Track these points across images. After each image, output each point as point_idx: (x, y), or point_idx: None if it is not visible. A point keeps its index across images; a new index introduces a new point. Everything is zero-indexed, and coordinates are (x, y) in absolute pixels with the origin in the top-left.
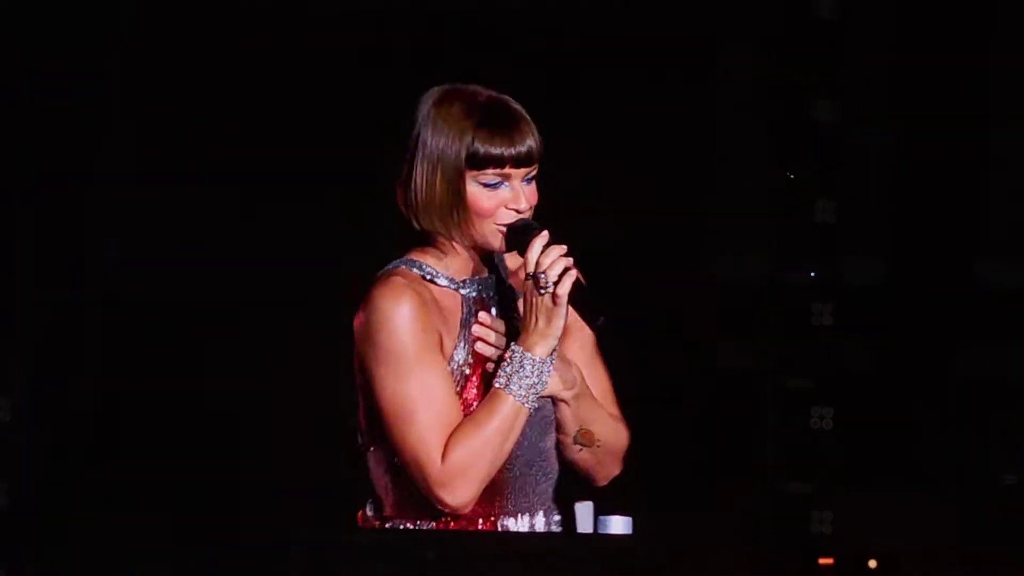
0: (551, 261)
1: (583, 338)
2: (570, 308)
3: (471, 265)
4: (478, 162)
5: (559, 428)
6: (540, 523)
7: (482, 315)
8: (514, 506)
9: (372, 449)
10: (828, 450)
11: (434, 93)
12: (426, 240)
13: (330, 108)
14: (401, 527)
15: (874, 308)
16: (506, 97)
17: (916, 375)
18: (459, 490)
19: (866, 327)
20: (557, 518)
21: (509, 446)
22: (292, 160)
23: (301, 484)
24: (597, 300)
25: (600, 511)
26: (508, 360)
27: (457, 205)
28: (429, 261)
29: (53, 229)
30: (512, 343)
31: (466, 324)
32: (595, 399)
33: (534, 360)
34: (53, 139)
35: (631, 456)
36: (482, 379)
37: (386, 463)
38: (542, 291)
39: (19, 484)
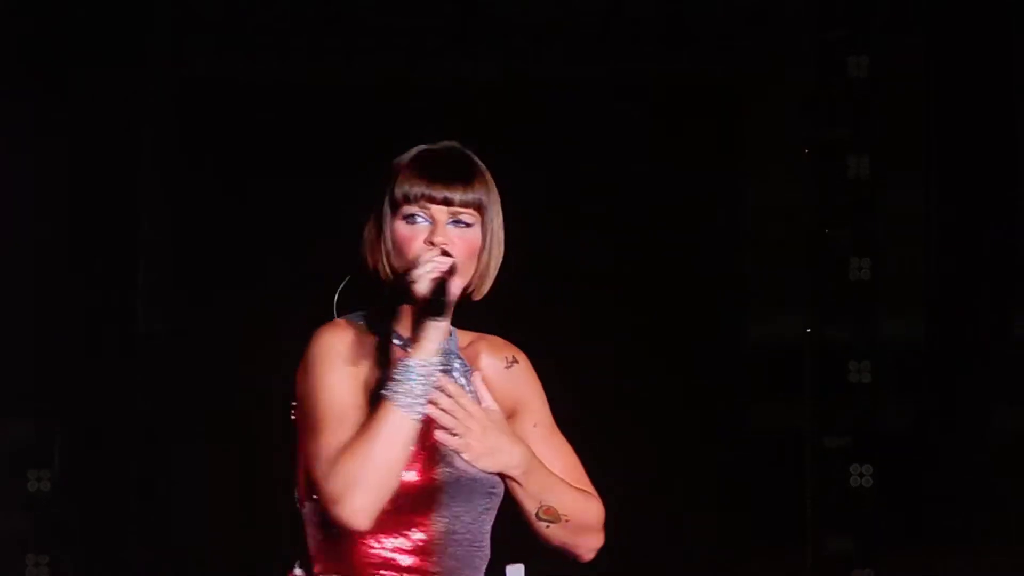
0: (424, 263)
1: (537, 415)
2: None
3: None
4: (397, 200)
5: (521, 510)
6: None
7: (443, 380)
8: (450, 571)
9: (307, 502)
10: (868, 508)
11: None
12: (380, 295)
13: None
14: None
15: (912, 365)
16: (459, 149)
17: (955, 432)
18: (347, 501)
19: (904, 384)
20: None
21: (395, 455)
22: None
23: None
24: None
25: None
26: (396, 370)
27: (380, 239)
28: (377, 315)
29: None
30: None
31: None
32: (549, 472)
33: (408, 366)
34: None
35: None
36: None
37: (319, 517)
38: (410, 287)
39: (59, 556)
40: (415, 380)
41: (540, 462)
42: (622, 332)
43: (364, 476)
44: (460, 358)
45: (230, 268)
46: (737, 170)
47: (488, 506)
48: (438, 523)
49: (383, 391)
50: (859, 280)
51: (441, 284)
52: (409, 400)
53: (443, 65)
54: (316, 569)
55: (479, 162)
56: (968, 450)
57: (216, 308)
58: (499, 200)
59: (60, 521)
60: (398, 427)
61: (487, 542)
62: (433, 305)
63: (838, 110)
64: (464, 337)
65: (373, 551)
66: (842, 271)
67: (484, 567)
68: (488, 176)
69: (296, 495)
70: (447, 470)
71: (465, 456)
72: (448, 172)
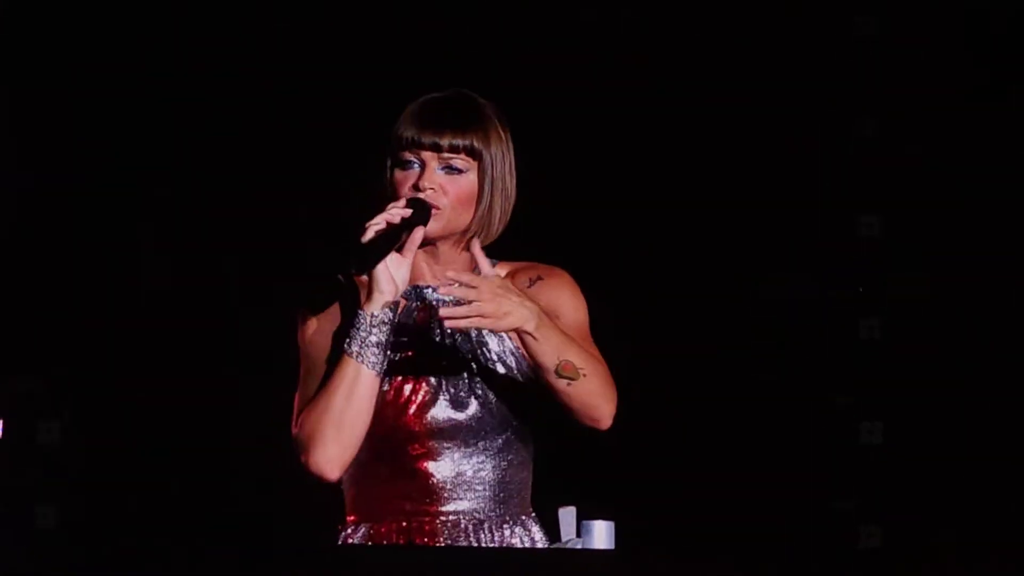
0: (376, 218)
1: (566, 320)
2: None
3: (417, 273)
4: (393, 145)
5: (542, 372)
6: (507, 533)
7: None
8: (463, 513)
9: None
10: (877, 465)
11: None
12: None
13: None
14: (360, 530)
15: (924, 322)
16: (467, 94)
17: (962, 387)
18: (313, 453)
19: (916, 342)
20: (534, 527)
21: (357, 407)
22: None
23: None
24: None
25: (583, 516)
26: (354, 321)
27: (384, 188)
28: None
29: (104, 254)
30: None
31: (401, 325)
32: (563, 332)
33: (365, 316)
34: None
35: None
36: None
37: (347, 473)
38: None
39: (67, 507)
40: (367, 330)
41: (553, 321)
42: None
43: (324, 427)
44: (439, 294)
45: (235, 220)
46: (750, 133)
47: (503, 445)
48: (458, 466)
49: (343, 345)
50: (869, 236)
51: (385, 235)
52: (363, 350)
53: None
54: (350, 519)
55: (485, 108)
56: (978, 409)
57: (224, 259)
58: (506, 145)
59: (69, 473)
60: (353, 378)
61: (515, 481)
62: (373, 251)
63: (846, 70)
64: (504, 268)
65: (395, 500)
66: (850, 228)
67: (518, 506)
68: (493, 122)
69: None
70: (458, 414)
71: (483, 325)
72: (442, 118)
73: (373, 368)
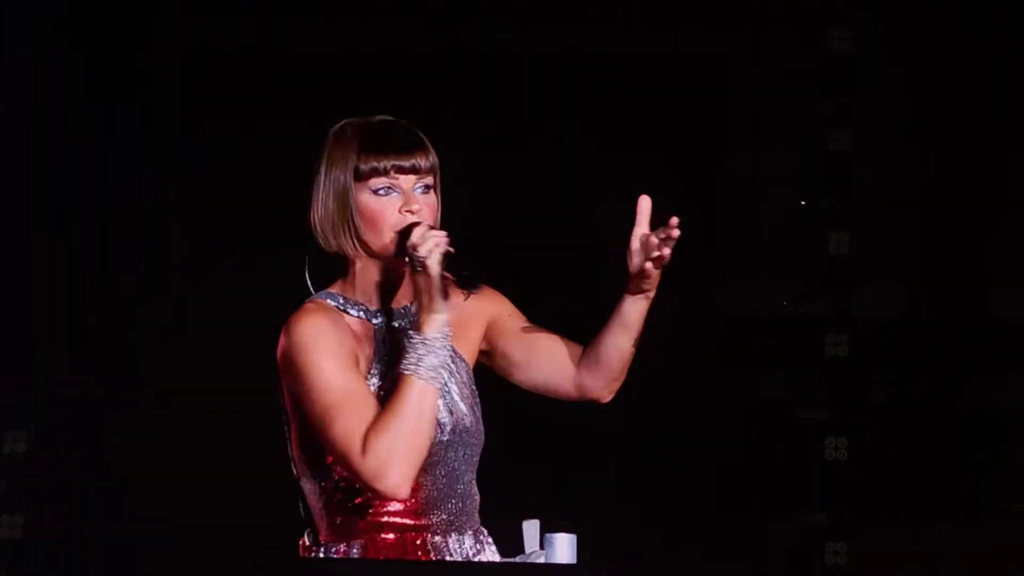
0: (422, 237)
1: (508, 308)
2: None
3: (386, 296)
4: (364, 174)
5: (631, 331)
6: (469, 542)
7: None
8: (445, 525)
9: (304, 478)
10: (843, 481)
11: (333, 127)
12: (344, 270)
13: None
14: (334, 549)
15: (890, 338)
16: (397, 120)
17: (931, 405)
18: (387, 476)
19: (882, 357)
20: (487, 539)
21: (425, 426)
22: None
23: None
24: (465, 263)
25: (545, 529)
26: (407, 346)
27: (349, 217)
28: (346, 293)
29: (71, 264)
30: (410, 329)
31: (378, 353)
32: None
33: (426, 340)
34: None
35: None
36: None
37: (318, 489)
38: (417, 268)
39: (35, 517)
40: (425, 354)
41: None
42: (595, 299)
43: (400, 451)
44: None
45: (204, 236)
46: (719, 140)
47: (476, 455)
48: (437, 480)
49: (402, 368)
50: (837, 253)
51: (448, 257)
52: (430, 372)
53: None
54: (321, 538)
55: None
56: (944, 423)
57: (195, 269)
58: None
59: (35, 482)
60: (423, 399)
61: (476, 489)
62: (437, 272)
63: (820, 83)
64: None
65: (373, 517)
66: (821, 243)
67: (477, 511)
68: None
69: (293, 471)
70: (442, 433)
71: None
72: (406, 140)
73: (439, 387)
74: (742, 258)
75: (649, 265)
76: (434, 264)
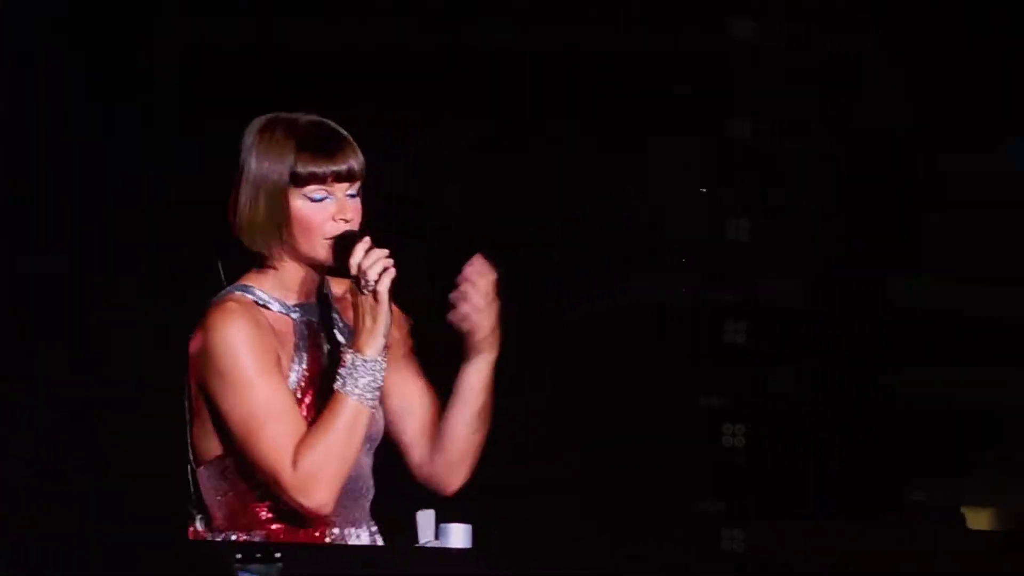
0: (372, 262)
1: (406, 347)
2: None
3: (303, 290)
4: (302, 179)
5: (465, 398)
6: (365, 536)
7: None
8: (343, 519)
9: (202, 466)
10: (740, 468)
11: (257, 122)
12: (260, 263)
13: None
14: (233, 537)
15: (789, 327)
16: (327, 120)
17: (830, 394)
18: (314, 492)
19: (781, 346)
20: (375, 529)
21: (355, 445)
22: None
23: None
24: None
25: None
26: (343, 364)
27: (282, 222)
28: (263, 286)
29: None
30: (345, 347)
31: (298, 348)
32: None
33: (366, 361)
34: None
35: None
36: (315, 398)
37: (216, 479)
38: (364, 291)
39: None
40: (363, 375)
41: None
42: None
43: (328, 469)
44: (335, 308)
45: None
46: (620, 130)
47: (370, 447)
48: (359, 469)
49: (338, 386)
50: (737, 241)
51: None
52: (365, 393)
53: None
54: (216, 525)
55: None
56: (843, 414)
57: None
58: None
59: None
60: (356, 419)
61: (371, 479)
62: (386, 297)
63: (720, 72)
64: (337, 286)
65: (273, 509)
66: (720, 232)
67: (369, 503)
68: None
69: (192, 458)
70: None
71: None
72: (342, 144)
73: (372, 406)
74: (643, 246)
75: (454, 320)
76: (384, 289)
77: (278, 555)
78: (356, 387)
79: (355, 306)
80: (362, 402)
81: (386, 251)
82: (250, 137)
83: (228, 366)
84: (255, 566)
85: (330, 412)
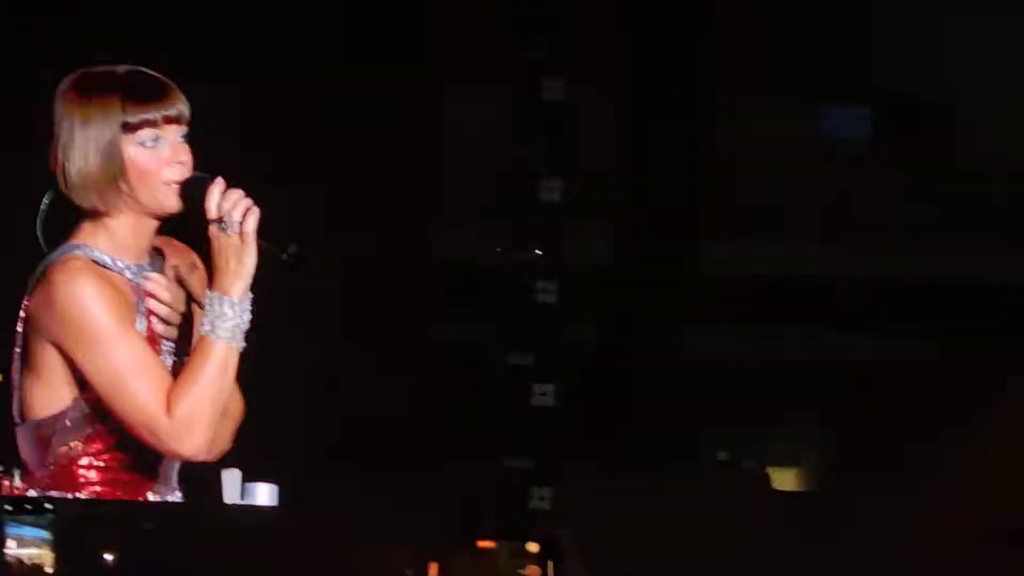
0: (232, 203)
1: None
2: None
3: (136, 247)
4: (133, 127)
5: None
6: (177, 497)
7: (152, 283)
8: (162, 482)
9: (23, 423)
10: (549, 427)
11: (69, 80)
12: (92, 222)
13: None
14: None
15: (599, 287)
16: (143, 68)
17: (638, 353)
18: (190, 439)
19: (590, 306)
20: (179, 494)
21: (227, 387)
22: None
23: None
24: (281, 232)
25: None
26: (208, 307)
27: (116, 173)
28: (98, 244)
29: None
30: (208, 290)
31: (138, 308)
32: None
33: (232, 301)
34: None
35: None
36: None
37: (39, 437)
38: (229, 233)
39: None
40: (231, 316)
41: None
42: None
43: (202, 414)
44: (167, 266)
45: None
46: (431, 90)
47: None
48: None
49: (205, 331)
50: (549, 201)
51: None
52: (233, 334)
53: None
54: (36, 485)
55: None
56: (650, 371)
57: None
58: None
59: None
60: (227, 361)
61: None
62: (253, 236)
63: (536, 32)
64: (173, 253)
65: (81, 468)
66: (533, 192)
67: (179, 465)
68: None
69: (12, 413)
70: None
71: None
72: (166, 89)
73: (241, 347)
74: (455, 205)
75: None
76: (251, 229)
77: (49, 507)
78: (225, 330)
79: (214, 248)
80: (231, 344)
81: (241, 191)
82: (66, 95)
83: (87, 324)
84: (26, 517)
85: (200, 357)
